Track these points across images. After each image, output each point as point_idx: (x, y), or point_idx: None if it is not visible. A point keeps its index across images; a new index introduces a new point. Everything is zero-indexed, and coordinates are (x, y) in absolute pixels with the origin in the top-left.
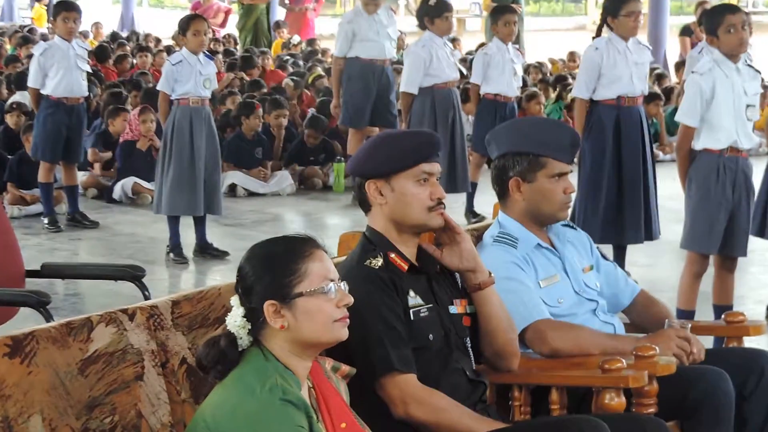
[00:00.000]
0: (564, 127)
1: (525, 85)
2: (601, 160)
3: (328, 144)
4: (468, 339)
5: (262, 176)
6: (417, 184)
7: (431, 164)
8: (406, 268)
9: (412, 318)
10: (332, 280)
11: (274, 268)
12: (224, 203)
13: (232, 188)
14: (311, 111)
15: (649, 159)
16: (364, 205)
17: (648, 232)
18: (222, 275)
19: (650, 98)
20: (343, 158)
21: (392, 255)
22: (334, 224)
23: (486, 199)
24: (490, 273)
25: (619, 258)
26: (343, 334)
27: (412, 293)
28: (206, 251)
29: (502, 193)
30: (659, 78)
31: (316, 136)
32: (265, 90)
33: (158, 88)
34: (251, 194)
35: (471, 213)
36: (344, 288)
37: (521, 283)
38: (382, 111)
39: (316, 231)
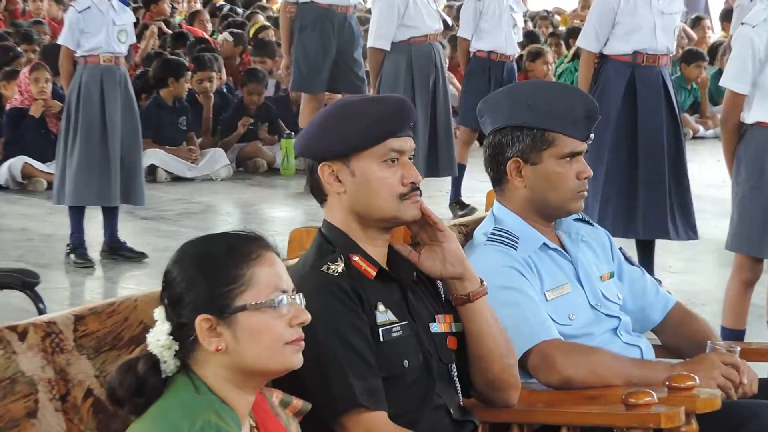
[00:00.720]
0: (577, 93)
1: (533, 40)
2: (604, 128)
3: (270, 110)
4: (454, 366)
5: (189, 156)
6: (384, 165)
7: (402, 139)
8: (373, 274)
9: (381, 339)
10: (285, 292)
11: (211, 273)
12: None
13: (151, 171)
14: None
15: (677, 134)
16: (319, 193)
17: (678, 227)
18: (138, 282)
19: (690, 58)
20: (293, 133)
21: (355, 258)
22: (281, 218)
23: (477, 186)
24: (481, 281)
25: (646, 261)
26: (296, 360)
27: (381, 307)
28: (118, 252)
29: (498, 178)
30: (697, 32)
31: (260, 91)
32: (190, 41)
33: (59, 42)
34: (176, 179)
35: (458, 203)
36: (300, 302)
37: (522, 294)
38: (344, 72)
39: (258, 226)
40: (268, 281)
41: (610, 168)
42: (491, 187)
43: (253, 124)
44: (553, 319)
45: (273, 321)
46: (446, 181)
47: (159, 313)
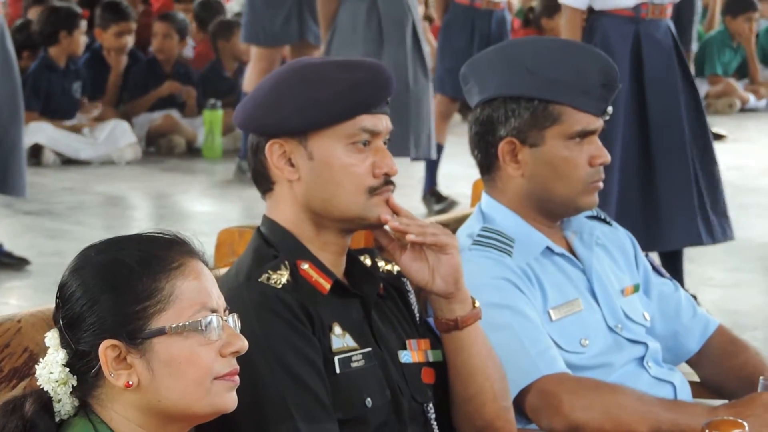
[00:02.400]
0: (592, 53)
1: None
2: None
3: (190, 71)
4: (431, 405)
5: (88, 122)
6: (352, 148)
7: (376, 117)
8: (327, 287)
9: (337, 370)
10: (214, 311)
11: (120, 286)
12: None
13: (35, 151)
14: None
15: (697, 107)
16: (263, 180)
17: (713, 227)
18: (20, 297)
19: (737, 8)
20: (218, 102)
21: (304, 266)
22: (206, 214)
23: (459, 173)
24: (474, 301)
25: (674, 276)
26: (229, 400)
27: (337, 329)
28: None
29: (488, 164)
30: None
31: (170, 46)
32: None
33: None
34: (67, 162)
35: (433, 195)
36: (234, 324)
37: (518, 314)
38: (304, 20)
39: (176, 224)
40: (192, 298)
41: (622, 163)
42: (478, 176)
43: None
44: (558, 346)
45: (199, 349)
46: (417, 167)
47: (51, 338)
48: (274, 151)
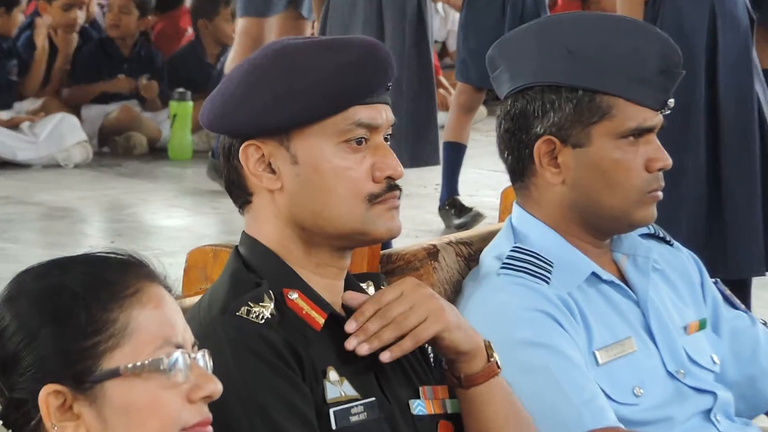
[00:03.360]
0: (649, 32)
1: None
2: (688, 107)
3: (153, 54)
4: None
5: (30, 117)
6: (345, 148)
7: (373, 108)
8: (321, 322)
9: (334, 425)
10: (179, 347)
11: (63, 319)
12: None
13: None
14: None
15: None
16: (238, 191)
17: None
18: None
19: None
20: (188, 92)
21: (292, 296)
22: (172, 229)
23: (486, 179)
24: (488, 352)
25: (739, 294)
26: None
27: (333, 374)
28: None
29: (521, 168)
30: None
31: (131, 9)
32: None
33: None
34: (1, 164)
35: (452, 207)
36: (204, 363)
37: (557, 355)
38: None
39: (135, 243)
40: (152, 331)
41: (695, 174)
42: (508, 183)
43: (129, 76)
44: (606, 395)
45: (162, 393)
46: (434, 171)
47: None
48: (249, 155)
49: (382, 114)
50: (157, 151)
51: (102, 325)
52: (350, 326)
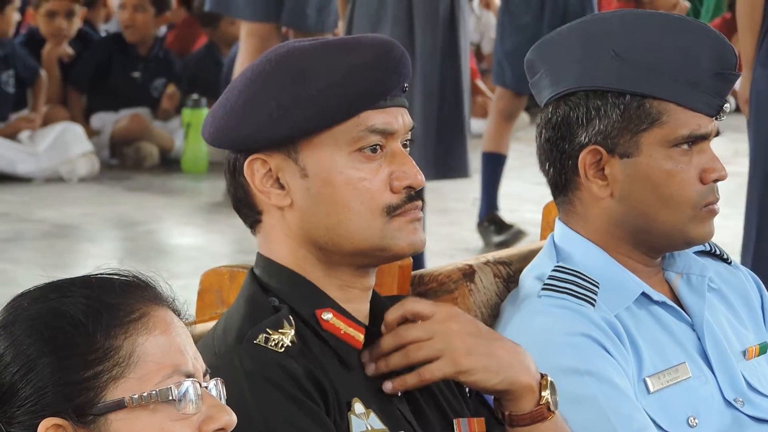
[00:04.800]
0: (703, 32)
1: None
2: None
3: (172, 57)
4: None
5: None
6: (358, 157)
7: (388, 112)
8: (361, 338)
9: None
10: (190, 376)
11: (63, 347)
12: None
13: None
14: None
15: None
16: (247, 210)
17: None
18: None
19: None
20: (203, 99)
21: (327, 316)
22: (184, 248)
23: (527, 193)
24: (543, 394)
25: None
26: None
27: (359, 407)
28: None
29: (564, 180)
30: None
31: (146, 6)
32: None
33: None
34: (0, 178)
35: (492, 223)
36: (218, 393)
37: (605, 383)
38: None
39: (146, 264)
40: (160, 359)
41: None
42: (550, 197)
43: (143, 78)
44: (658, 425)
45: (171, 426)
46: (472, 183)
47: None
48: (255, 171)
49: (398, 118)
50: (168, 163)
51: (105, 354)
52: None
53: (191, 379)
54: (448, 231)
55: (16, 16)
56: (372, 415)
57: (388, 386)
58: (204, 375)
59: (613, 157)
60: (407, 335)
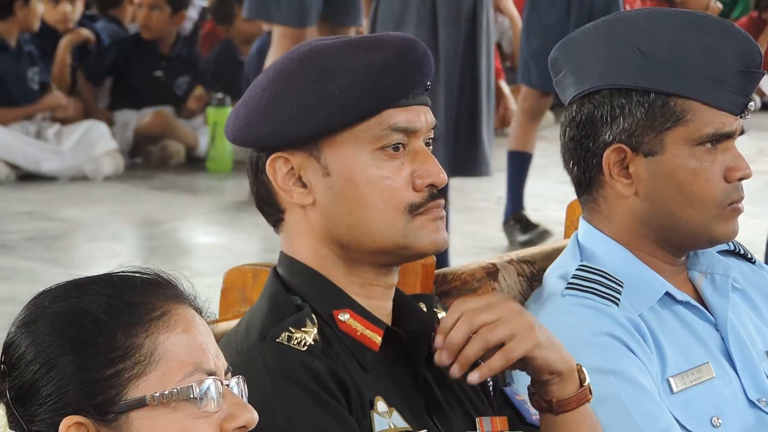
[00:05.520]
0: (726, 29)
1: None
2: None
3: (195, 53)
4: None
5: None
6: (380, 155)
7: (410, 111)
8: (378, 340)
9: None
10: (211, 374)
11: (83, 345)
12: None
13: None
14: None
15: None
16: (269, 209)
17: None
18: None
19: None
20: (228, 98)
21: (344, 316)
22: (209, 247)
23: (550, 191)
24: (583, 379)
25: None
26: None
27: (382, 405)
28: None
29: (588, 179)
30: None
31: (161, 5)
32: None
33: None
34: (24, 177)
35: (518, 222)
36: (240, 391)
37: (628, 382)
38: None
39: (170, 262)
40: (181, 357)
41: None
42: (575, 196)
43: (166, 77)
44: (681, 425)
45: (193, 424)
46: (495, 182)
47: None
48: (278, 169)
49: (421, 116)
50: (192, 162)
51: (126, 352)
52: (438, 341)
53: (213, 377)
54: (472, 229)
55: (40, 8)
56: (395, 413)
57: (474, 377)
58: (226, 373)
59: (637, 155)
60: (476, 320)
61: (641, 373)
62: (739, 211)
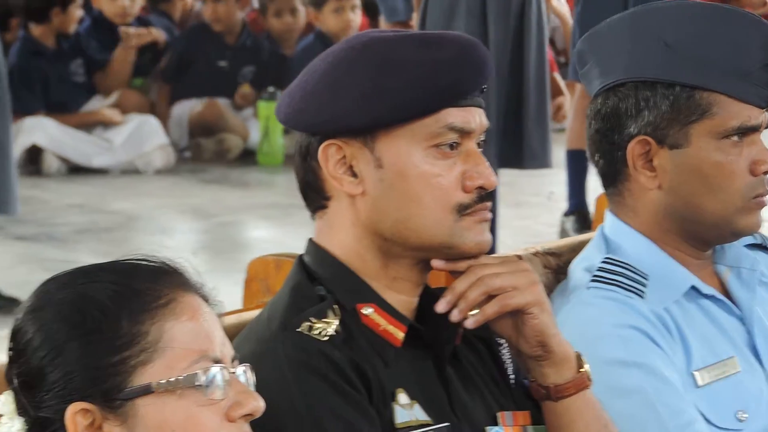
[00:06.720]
0: (752, 21)
1: None
2: None
3: (261, 43)
4: None
5: (106, 118)
6: (434, 153)
7: (467, 111)
8: (401, 337)
9: None
10: (217, 362)
11: (89, 332)
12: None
13: (33, 156)
14: None
15: None
16: (314, 195)
17: None
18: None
19: None
20: (278, 92)
21: (367, 310)
22: (260, 241)
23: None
24: (579, 362)
25: None
26: None
27: (403, 398)
28: None
29: (613, 171)
30: None
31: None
32: None
33: None
34: (75, 170)
35: (579, 216)
36: (246, 379)
37: (652, 375)
38: None
39: (218, 254)
40: (187, 344)
41: None
42: (602, 190)
43: (231, 67)
44: (706, 419)
45: (199, 412)
46: (547, 178)
47: (5, 402)
48: (330, 156)
49: (476, 118)
50: (244, 155)
51: (132, 339)
52: (440, 305)
53: (219, 365)
54: (522, 224)
55: (78, 13)
56: (416, 406)
57: (469, 322)
58: (232, 361)
59: (662, 148)
60: (482, 271)
61: (666, 366)
62: (763, 204)
